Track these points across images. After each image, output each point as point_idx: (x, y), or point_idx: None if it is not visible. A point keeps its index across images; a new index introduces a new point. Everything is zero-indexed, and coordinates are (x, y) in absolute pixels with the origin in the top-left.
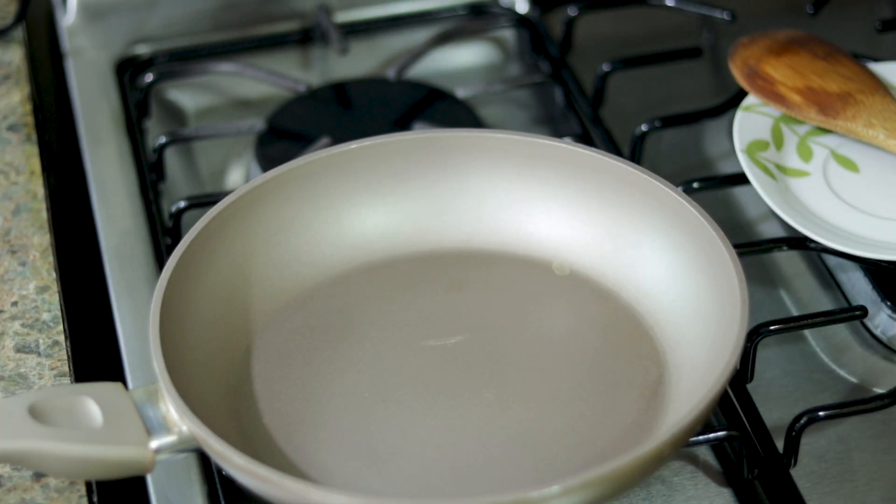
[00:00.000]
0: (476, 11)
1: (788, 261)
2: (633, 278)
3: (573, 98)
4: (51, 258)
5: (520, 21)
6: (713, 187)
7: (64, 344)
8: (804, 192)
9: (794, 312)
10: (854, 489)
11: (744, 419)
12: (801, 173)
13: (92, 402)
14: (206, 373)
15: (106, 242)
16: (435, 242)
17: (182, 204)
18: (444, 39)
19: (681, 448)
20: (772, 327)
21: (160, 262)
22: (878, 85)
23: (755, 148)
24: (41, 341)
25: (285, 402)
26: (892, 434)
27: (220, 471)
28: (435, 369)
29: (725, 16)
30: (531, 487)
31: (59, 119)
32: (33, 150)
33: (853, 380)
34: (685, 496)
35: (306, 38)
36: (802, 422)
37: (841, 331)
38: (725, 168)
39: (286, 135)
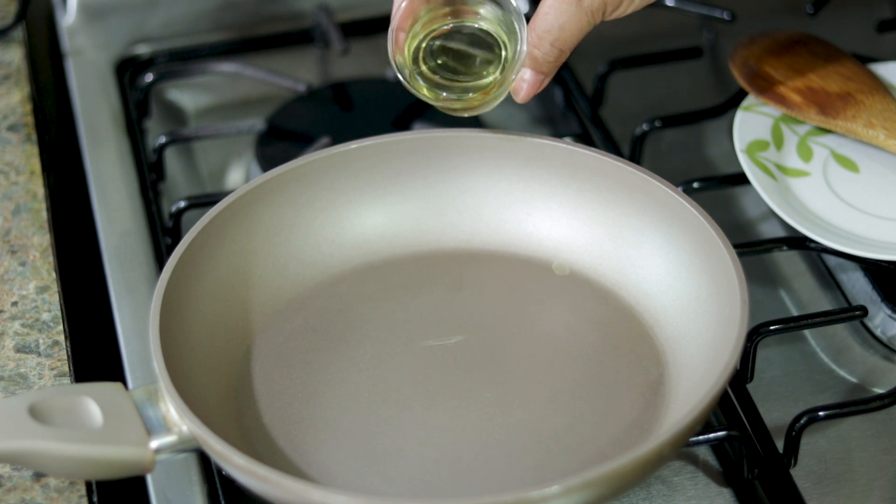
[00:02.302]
0: None
1: (788, 261)
2: (633, 278)
3: (573, 98)
4: (51, 258)
5: None
6: (713, 187)
7: (64, 344)
8: (804, 192)
9: (794, 312)
10: (854, 489)
11: (744, 419)
12: (801, 173)
13: (92, 402)
14: (206, 373)
15: (106, 242)
16: (435, 242)
17: (182, 204)
18: None
19: (681, 448)
20: (772, 327)
21: (160, 262)
22: (878, 85)
23: (755, 148)
24: (41, 341)
25: (285, 402)
26: (892, 434)
27: (220, 471)
28: (435, 369)
29: (725, 16)
30: (531, 487)
31: (59, 119)
32: (33, 150)
33: (853, 380)
34: (685, 496)
35: (306, 38)
36: (802, 422)
37: (841, 331)
38: (725, 168)
39: (286, 135)
